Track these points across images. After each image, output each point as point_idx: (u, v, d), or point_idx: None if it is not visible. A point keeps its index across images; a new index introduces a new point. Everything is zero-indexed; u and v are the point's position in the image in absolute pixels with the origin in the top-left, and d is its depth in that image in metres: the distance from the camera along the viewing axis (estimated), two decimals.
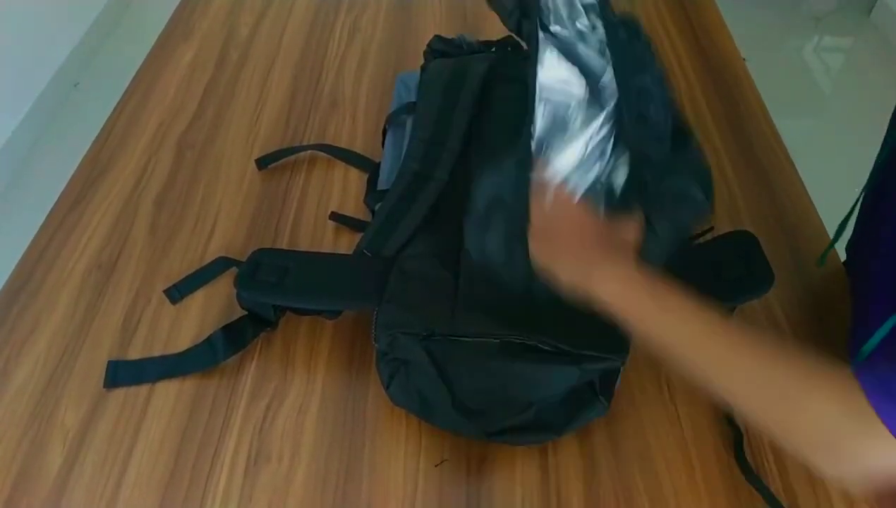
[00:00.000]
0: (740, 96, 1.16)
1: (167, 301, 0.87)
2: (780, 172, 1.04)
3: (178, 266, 0.91)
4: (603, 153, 0.66)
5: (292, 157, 1.05)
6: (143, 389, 0.79)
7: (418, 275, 0.79)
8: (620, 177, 0.67)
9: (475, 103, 0.95)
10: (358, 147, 1.07)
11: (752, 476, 0.72)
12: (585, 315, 0.75)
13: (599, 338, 0.73)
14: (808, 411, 0.50)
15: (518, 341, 0.72)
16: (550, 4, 0.66)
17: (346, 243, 0.94)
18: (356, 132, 1.10)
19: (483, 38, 1.17)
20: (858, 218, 0.88)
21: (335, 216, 0.96)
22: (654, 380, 0.81)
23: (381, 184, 0.94)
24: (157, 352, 0.83)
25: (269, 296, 0.80)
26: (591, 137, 0.66)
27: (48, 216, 0.98)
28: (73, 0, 2.57)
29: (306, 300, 0.80)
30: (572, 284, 0.63)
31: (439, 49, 1.10)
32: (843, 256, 0.93)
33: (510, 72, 1.01)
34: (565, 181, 0.65)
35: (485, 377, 0.72)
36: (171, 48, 1.26)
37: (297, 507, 0.71)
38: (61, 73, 2.47)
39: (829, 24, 2.82)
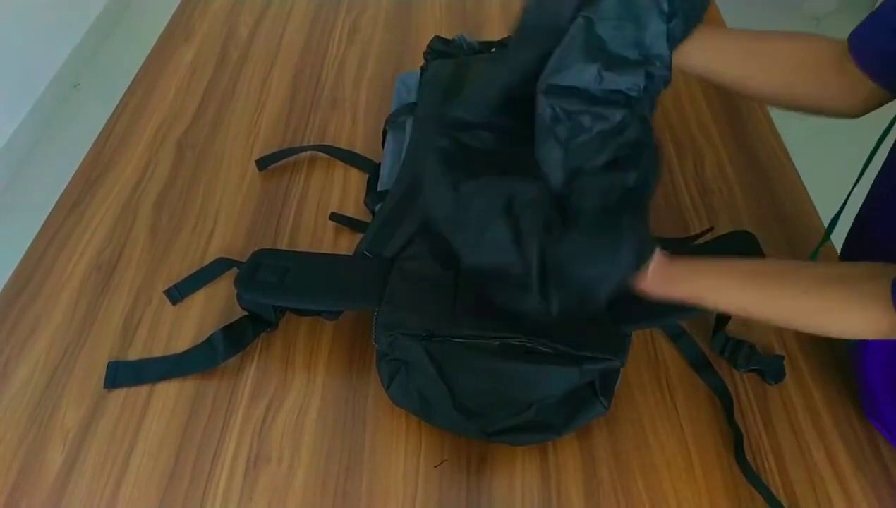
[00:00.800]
0: (740, 96, 1.16)
1: (167, 301, 0.87)
2: (780, 172, 1.04)
3: (179, 266, 0.91)
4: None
5: (292, 158, 1.05)
6: (143, 389, 0.79)
7: (418, 276, 0.79)
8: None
9: None
10: (358, 147, 1.07)
11: (753, 475, 0.72)
12: (584, 316, 0.75)
13: (598, 339, 0.73)
14: (849, 325, 0.61)
15: (518, 342, 0.72)
16: None
17: (346, 244, 0.94)
18: (356, 132, 1.10)
19: (483, 38, 1.17)
20: (854, 222, 0.88)
21: (335, 217, 0.96)
22: (654, 380, 0.81)
23: (382, 185, 0.94)
24: (157, 353, 0.83)
25: (270, 297, 0.80)
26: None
27: (48, 217, 0.98)
28: (73, 1, 2.57)
29: (306, 300, 0.80)
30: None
31: (439, 49, 1.10)
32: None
33: None
34: None
35: (485, 377, 0.72)
36: (171, 49, 1.26)
37: (296, 507, 0.71)
38: (61, 73, 2.47)
39: (829, 24, 2.81)
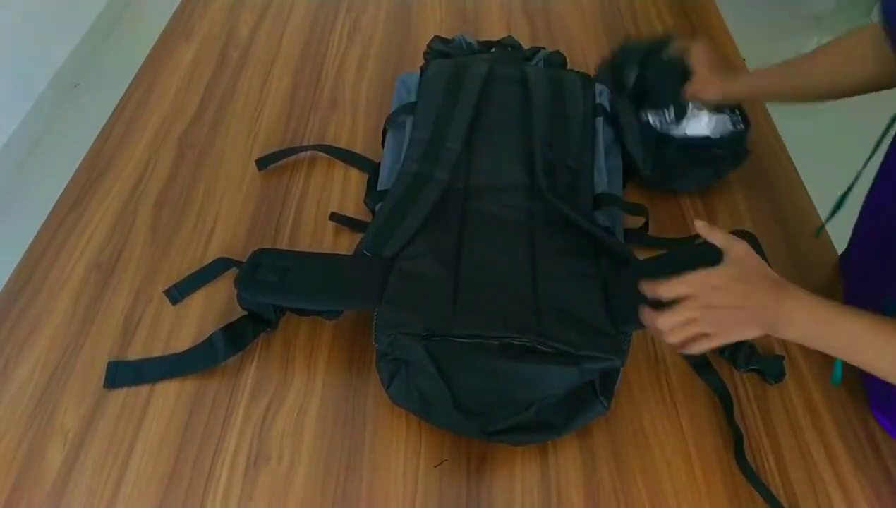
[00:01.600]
0: None
1: (167, 301, 0.87)
2: (780, 172, 1.04)
3: (179, 266, 0.91)
4: None
5: (292, 158, 1.05)
6: (143, 389, 0.79)
7: (418, 276, 0.79)
8: None
9: (475, 104, 0.95)
10: (358, 147, 1.07)
11: (753, 476, 0.72)
12: (585, 315, 0.75)
13: (598, 339, 0.73)
14: None
15: (518, 342, 0.72)
16: None
17: (346, 243, 0.94)
18: (356, 132, 1.10)
19: (483, 38, 1.17)
20: (854, 233, 0.88)
21: (335, 217, 0.96)
22: (654, 380, 0.81)
23: (381, 185, 0.94)
24: (157, 352, 0.83)
25: (270, 296, 0.80)
26: None
27: (48, 216, 0.98)
28: (72, 0, 2.56)
29: (306, 300, 0.80)
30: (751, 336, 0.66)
31: (439, 49, 1.10)
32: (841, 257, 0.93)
33: (510, 72, 1.01)
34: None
35: (485, 377, 0.72)
36: (171, 48, 1.26)
37: (297, 507, 0.71)
38: (61, 73, 2.46)
39: (829, 24, 2.81)
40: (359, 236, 0.88)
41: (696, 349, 0.66)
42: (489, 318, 0.74)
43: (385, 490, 0.72)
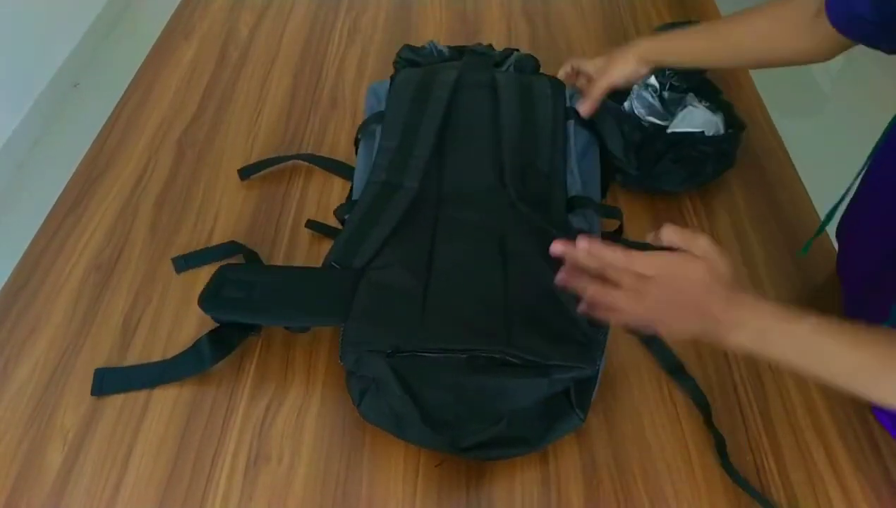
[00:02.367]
0: (740, 96, 1.16)
1: (167, 301, 0.87)
2: (779, 172, 1.04)
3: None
4: None
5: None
6: (143, 389, 0.79)
7: (387, 286, 0.77)
8: None
9: (444, 111, 0.93)
10: None
11: (740, 479, 0.71)
12: (557, 323, 0.73)
13: (568, 347, 0.72)
14: None
15: (485, 354, 0.71)
16: None
17: None
18: (356, 132, 1.10)
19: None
20: (844, 226, 0.88)
21: (311, 224, 0.94)
22: (654, 380, 0.81)
23: (355, 194, 0.91)
24: (156, 353, 0.83)
25: (235, 314, 0.78)
26: None
27: (48, 216, 0.98)
28: (72, 0, 2.56)
29: (272, 317, 0.78)
30: (689, 336, 0.61)
31: (408, 58, 1.08)
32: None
33: (479, 78, 0.99)
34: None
35: (452, 391, 0.71)
36: (171, 48, 1.26)
37: (296, 507, 0.71)
38: (61, 73, 2.46)
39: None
40: None
41: (607, 316, 0.63)
42: (456, 330, 0.73)
43: (385, 490, 0.72)
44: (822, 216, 0.97)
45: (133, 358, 0.82)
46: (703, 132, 0.97)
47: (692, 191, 1.00)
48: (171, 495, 0.72)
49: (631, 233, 0.94)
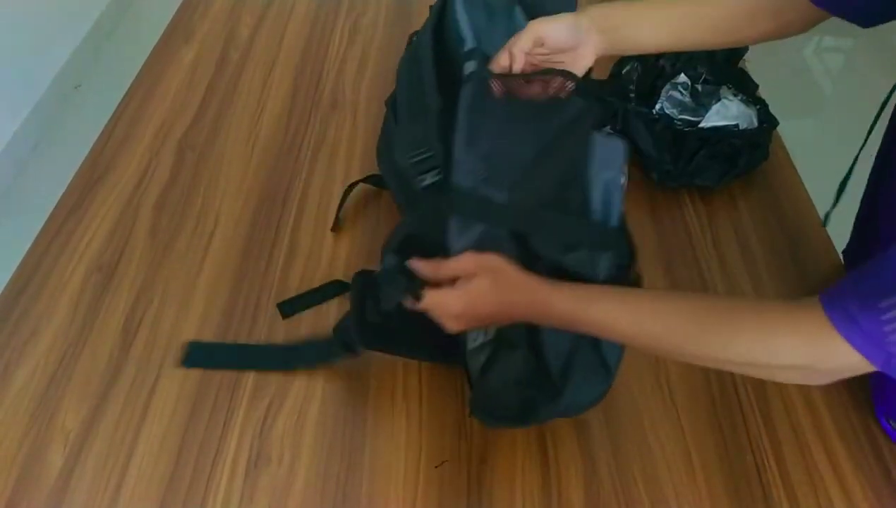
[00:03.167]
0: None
1: (167, 302, 0.87)
2: (779, 172, 1.04)
3: (179, 268, 0.91)
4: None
5: (293, 159, 1.05)
6: (144, 390, 0.80)
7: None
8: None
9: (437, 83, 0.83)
10: (358, 147, 1.07)
11: None
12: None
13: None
14: (780, 348, 0.55)
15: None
16: None
17: (345, 248, 0.94)
18: (356, 132, 1.10)
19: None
20: (855, 224, 0.88)
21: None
22: (654, 381, 0.81)
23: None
24: (157, 354, 0.83)
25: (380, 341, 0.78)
26: None
27: (49, 218, 0.98)
28: (73, 2, 2.57)
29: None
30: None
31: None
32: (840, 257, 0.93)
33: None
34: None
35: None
36: (171, 49, 1.27)
37: None
38: (62, 75, 2.47)
39: (828, 24, 2.81)
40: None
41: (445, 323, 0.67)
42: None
43: (385, 491, 0.72)
44: (822, 215, 0.97)
45: (134, 360, 0.82)
46: (737, 125, 0.97)
47: (731, 185, 1.01)
48: (172, 496, 0.72)
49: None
